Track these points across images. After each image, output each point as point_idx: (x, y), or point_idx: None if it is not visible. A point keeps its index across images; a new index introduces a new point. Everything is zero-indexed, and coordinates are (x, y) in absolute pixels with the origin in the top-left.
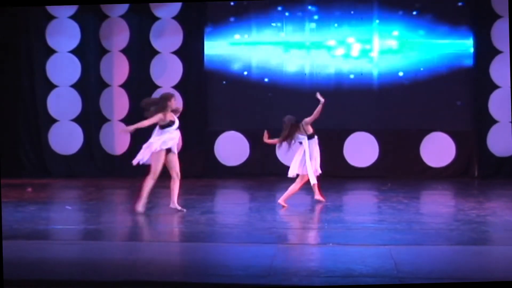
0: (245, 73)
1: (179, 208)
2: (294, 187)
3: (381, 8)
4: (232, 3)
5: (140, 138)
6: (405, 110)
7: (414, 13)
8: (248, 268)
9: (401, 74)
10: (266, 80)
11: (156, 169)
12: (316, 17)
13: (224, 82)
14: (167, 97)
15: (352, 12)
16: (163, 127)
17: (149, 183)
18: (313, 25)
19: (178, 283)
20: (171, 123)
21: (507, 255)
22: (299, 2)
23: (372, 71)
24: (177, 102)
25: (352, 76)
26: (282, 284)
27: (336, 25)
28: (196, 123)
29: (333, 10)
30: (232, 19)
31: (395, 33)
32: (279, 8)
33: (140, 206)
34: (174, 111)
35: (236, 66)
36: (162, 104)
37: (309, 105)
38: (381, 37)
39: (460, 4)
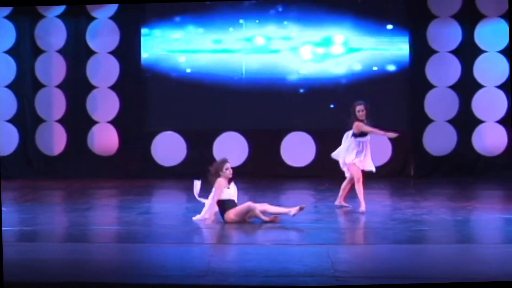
0: (184, 73)
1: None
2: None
3: (318, 9)
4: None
5: (76, 138)
6: (341, 110)
7: (351, 13)
8: (185, 268)
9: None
10: (203, 80)
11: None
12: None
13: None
14: None
15: (280, 10)
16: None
17: (358, 186)
18: (253, 22)
19: (114, 284)
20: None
21: (444, 254)
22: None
23: (309, 73)
24: None
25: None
26: (219, 284)
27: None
28: (133, 124)
29: (273, 10)
30: (169, 19)
31: (336, 34)
32: (220, 8)
33: (363, 206)
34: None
35: (174, 66)
36: None
37: (245, 105)
38: (320, 38)
39: (396, 4)
